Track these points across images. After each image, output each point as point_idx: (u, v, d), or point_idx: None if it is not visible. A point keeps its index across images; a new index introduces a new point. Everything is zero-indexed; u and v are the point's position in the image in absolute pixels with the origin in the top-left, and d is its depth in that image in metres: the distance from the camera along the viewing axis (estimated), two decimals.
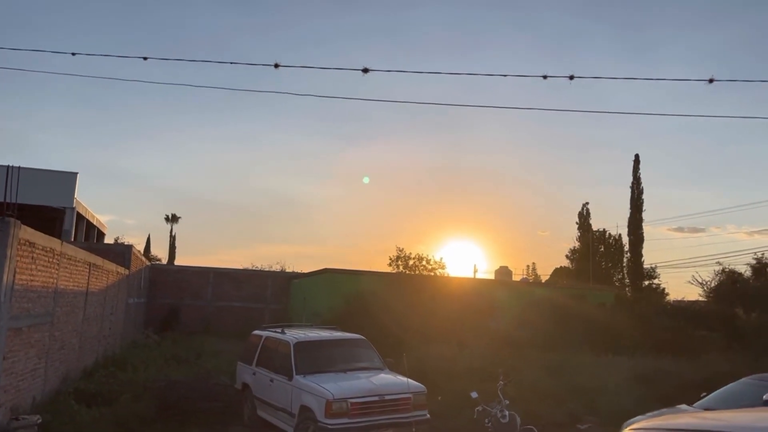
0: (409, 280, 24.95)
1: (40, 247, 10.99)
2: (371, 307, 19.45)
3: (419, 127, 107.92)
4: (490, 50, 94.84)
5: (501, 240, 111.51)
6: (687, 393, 11.50)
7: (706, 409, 8.91)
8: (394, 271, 26.99)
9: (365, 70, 9.92)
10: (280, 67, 10.21)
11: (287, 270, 39.30)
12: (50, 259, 11.75)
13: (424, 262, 28.10)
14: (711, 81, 10.80)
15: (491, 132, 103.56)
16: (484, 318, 21.59)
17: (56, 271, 12.24)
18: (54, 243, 12.01)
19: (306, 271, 33.98)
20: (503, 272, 43.69)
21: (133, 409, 11.96)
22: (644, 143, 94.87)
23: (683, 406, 9.83)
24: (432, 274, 27.53)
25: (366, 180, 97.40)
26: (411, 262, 27.92)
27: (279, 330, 12.78)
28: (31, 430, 9.54)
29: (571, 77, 10.21)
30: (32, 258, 10.53)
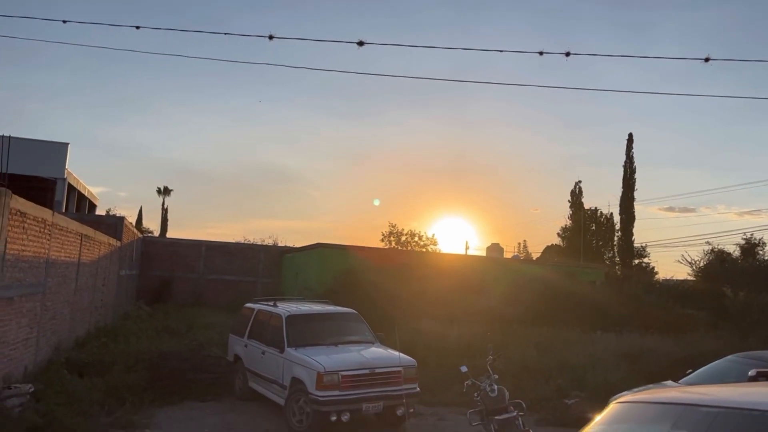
0: (401, 256, 25.02)
1: (32, 217, 10.95)
2: (363, 281, 19.48)
3: (415, 105, 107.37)
4: (486, 28, 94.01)
5: (493, 217, 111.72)
6: (673, 370, 11.66)
7: (692, 385, 9.04)
8: (386, 247, 27.01)
9: (360, 43, 9.82)
10: (275, 40, 10.10)
11: (279, 244, 39.39)
12: (42, 230, 11.71)
13: (416, 239, 28.15)
14: (707, 60, 10.77)
15: (486, 110, 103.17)
16: (475, 294, 21.71)
17: (48, 242, 12.22)
18: (45, 213, 11.97)
19: (298, 245, 34.04)
20: (495, 249, 43.83)
21: (125, 379, 12.03)
22: (637, 123, 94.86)
23: (669, 383, 9.97)
24: (424, 250, 27.56)
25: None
26: (403, 238, 27.96)
27: (271, 303, 12.84)
28: (23, 399, 9.60)
29: (567, 54, 10.15)
30: (23, 228, 10.50)
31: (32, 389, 9.97)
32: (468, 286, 22.23)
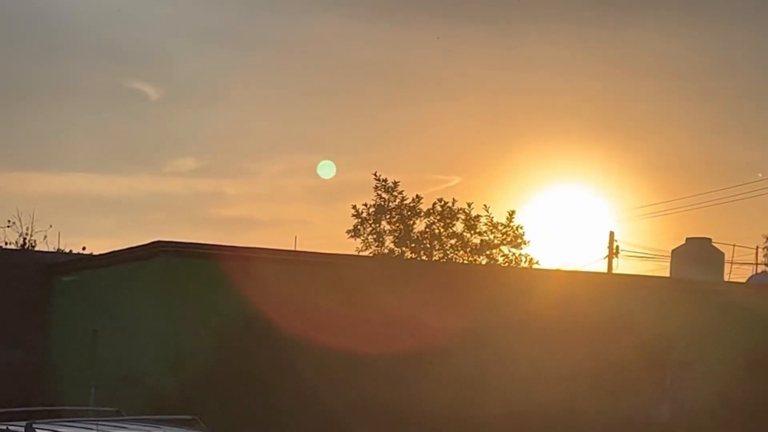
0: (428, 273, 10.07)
1: None
2: (289, 351, 6.75)
3: None
4: None
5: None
6: None
7: None
8: (368, 254, 9.60)
9: None
10: None
11: (39, 249, 16.68)
12: None
13: (490, 232, 10.98)
14: None
15: None
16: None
17: None
18: None
19: (97, 249, 14.74)
20: (697, 256, 14.25)
21: None
22: None
23: None
24: (502, 263, 10.66)
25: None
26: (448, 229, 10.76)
27: (19, 427, 2.87)
28: None
29: None
30: None
31: None
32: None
